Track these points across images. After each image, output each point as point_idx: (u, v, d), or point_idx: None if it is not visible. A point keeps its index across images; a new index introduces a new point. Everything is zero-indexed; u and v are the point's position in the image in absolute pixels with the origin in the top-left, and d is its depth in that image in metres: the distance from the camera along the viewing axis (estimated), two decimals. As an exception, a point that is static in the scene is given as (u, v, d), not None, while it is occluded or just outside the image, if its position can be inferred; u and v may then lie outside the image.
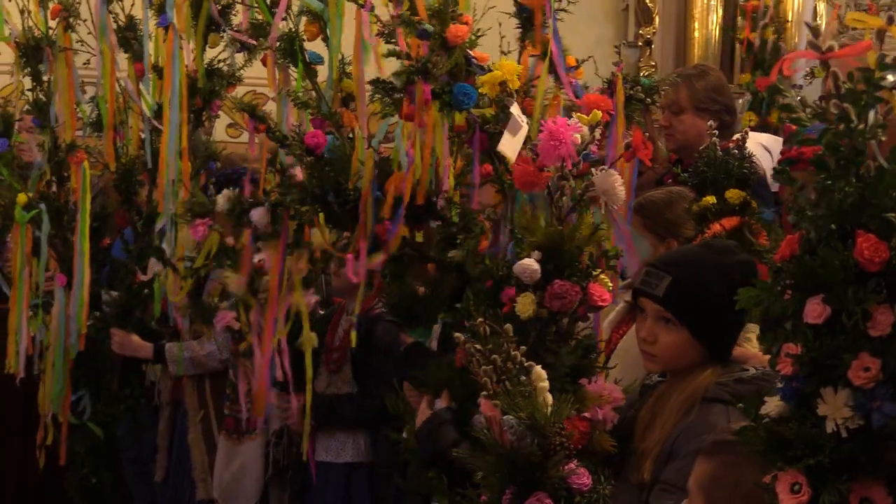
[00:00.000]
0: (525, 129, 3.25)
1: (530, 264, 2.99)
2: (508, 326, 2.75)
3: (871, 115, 2.03)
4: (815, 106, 2.06)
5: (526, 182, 3.10)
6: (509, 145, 3.24)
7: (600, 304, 3.06)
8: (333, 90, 4.06)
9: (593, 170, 3.08)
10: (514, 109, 3.30)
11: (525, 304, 2.99)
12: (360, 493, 4.50)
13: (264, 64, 4.30)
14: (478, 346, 2.70)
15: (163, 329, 5.00)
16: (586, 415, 2.88)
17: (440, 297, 3.77)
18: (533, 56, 3.65)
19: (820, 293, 2.05)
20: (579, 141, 3.03)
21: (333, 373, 4.57)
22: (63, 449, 5.02)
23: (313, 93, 4.12)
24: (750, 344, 3.31)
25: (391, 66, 3.66)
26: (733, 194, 3.53)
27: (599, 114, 3.15)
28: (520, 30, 3.72)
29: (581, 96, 3.60)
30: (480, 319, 2.79)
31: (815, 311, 2.06)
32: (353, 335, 3.95)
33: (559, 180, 3.02)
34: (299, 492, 4.65)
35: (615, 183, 3.07)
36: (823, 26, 2.14)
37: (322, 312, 4.70)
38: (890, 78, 2.02)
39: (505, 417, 2.63)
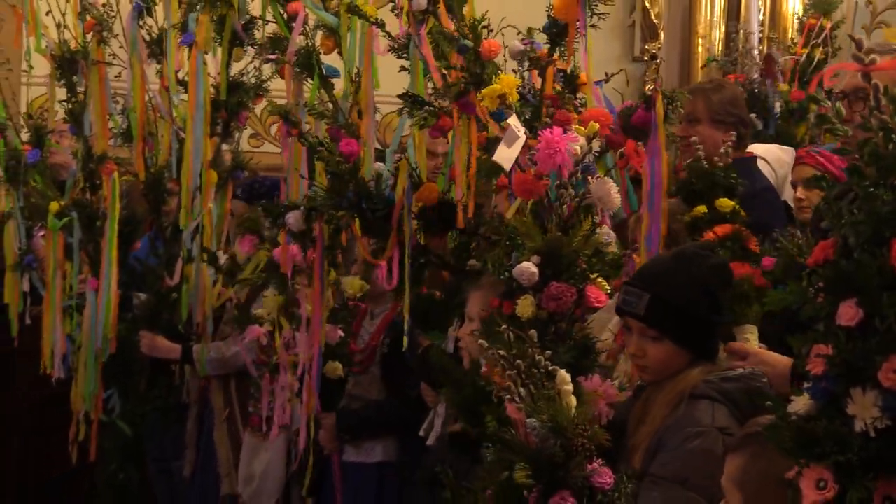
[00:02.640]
0: (522, 139, 3.31)
1: (528, 267, 3.11)
2: (533, 332, 2.87)
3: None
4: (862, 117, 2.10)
5: (524, 189, 3.22)
6: (505, 155, 3.31)
7: (596, 305, 3.18)
8: (349, 101, 4.14)
9: (589, 178, 3.20)
10: (512, 120, 3.37)
11: (525, 306, 3.11)
12: (392, 494, 4.52)
13: (282, 76, 4.42)
14: (502, 352, 2.80)
15: (190, 331, 5.09)
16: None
17: (455, 302, 3.91)
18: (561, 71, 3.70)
19: (854, 296, 2.11)
20: (578, 151, 3.14)
21: (359, 374, 4.60)
22: (93, 445, 5.16)
23: (329, 104, 4.22)
24: (749, 344, 3.40)
25: (403, 80, 3.79)
26: (723, 203, 3.61)
27: (597, 126, 3.25)
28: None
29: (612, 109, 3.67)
30: (505, 326, 2.91)
31: (848, 313, 2.11)
32: (405, 340, 3.97)
33: (558, 189, 3.14)
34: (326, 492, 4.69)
35: (611, 190, 3.20)
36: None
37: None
38: None
39: (529, 420, 2.75)
